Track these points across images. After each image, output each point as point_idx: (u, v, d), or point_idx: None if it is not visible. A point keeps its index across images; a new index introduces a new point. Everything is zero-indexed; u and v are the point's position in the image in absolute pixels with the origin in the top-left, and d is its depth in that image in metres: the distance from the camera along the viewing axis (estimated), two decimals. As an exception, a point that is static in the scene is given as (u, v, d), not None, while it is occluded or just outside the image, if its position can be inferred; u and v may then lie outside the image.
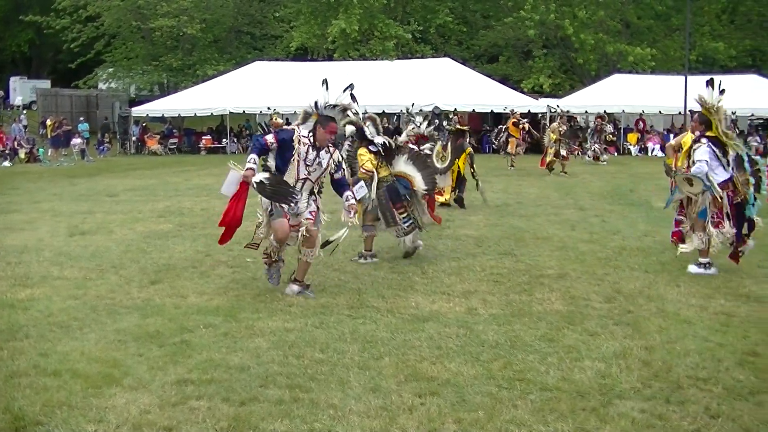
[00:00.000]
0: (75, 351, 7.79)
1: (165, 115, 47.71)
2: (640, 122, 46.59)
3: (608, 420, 6.05)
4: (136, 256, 12.90)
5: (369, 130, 12.76)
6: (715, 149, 11.29)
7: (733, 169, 11.41)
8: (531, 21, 51.03)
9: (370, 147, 12.64)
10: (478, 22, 60.51)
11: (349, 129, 12.61)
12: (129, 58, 58.90)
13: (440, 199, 17.23)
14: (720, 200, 11.34)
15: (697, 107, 12.08)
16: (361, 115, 12.34)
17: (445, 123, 21.85)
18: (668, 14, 55.88)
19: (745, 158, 11.56)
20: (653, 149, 43.99)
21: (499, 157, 34.11)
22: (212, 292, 10.34)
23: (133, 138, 47.29)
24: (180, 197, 21.82)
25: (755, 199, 11.46)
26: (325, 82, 10.52)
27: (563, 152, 28.85)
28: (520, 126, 32.50)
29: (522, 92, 48.69)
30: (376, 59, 51.18)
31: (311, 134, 10.13)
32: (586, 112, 42.16)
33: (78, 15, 57.37)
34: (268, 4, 61.02)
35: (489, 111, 44.76)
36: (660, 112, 46.30)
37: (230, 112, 45.46)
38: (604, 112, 41.44)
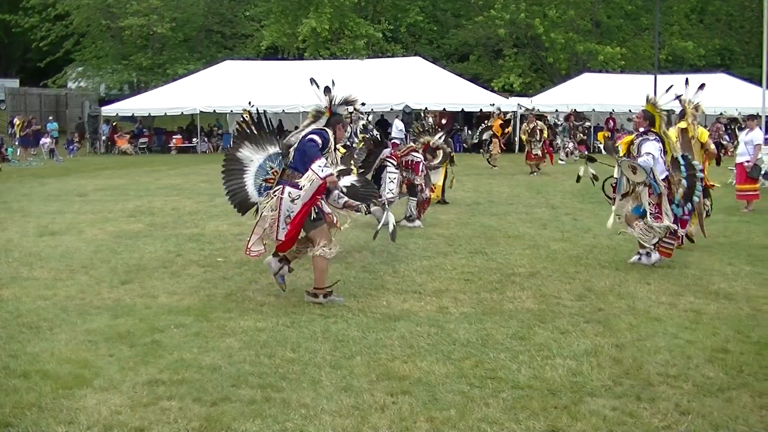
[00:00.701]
0: (45, 352, 7.75)
1: (135, 115, 47.39)
2: (611, 121, 46.76)
3: (580, 418, 6.08)
4: (106, 256, 12.84)
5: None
6: (660, 145, 11.55)
7: (669, 168, 11.63)
8: (501, 20, 51.13)
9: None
10: (449, 21, 60.64)
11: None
12: (98, 57, 58.46)
13: (432, 195, 17.29)
14: (659, 196, 11.55)
15: (676, 106, 12.36)
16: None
17: (416, 122, 21.88)
18: (638, 14, 56.23)
19: (682, 161, 11.85)
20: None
21: (470, 156, 34.23)
22: (183, 292, 10.30)
23: (103, 137, 46.97)
24: (150, 197, 21.72)
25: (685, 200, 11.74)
26: (313, 81, 10.44)
27: (536, 152, 28.97)
28: (507, 129, 32.69)
29: (492, 91, 48.74)
30: (347, 58, 51.09)
31: (333, 130, 10.03)
32: (557, 110, 42.37)
33: (47, 13, 56.95)
34: (239, 3, 60.83)
35: (460, 110, 44.80)
36: (630, 110, 46.29)
37: (201, 112, 45.25)
38: (574, 110, 41.59)
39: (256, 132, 10.08)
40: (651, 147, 11.39)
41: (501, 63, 56.02)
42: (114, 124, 47.87)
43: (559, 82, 51.13)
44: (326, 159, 9.48)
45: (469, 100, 43.61)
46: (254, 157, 10.10)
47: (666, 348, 7.77)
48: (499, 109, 33.52)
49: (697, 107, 13.75)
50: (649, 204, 11.60)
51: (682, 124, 13.81)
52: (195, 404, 6.38)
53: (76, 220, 16.93)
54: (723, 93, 41.82)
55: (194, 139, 47.90)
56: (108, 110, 46.85)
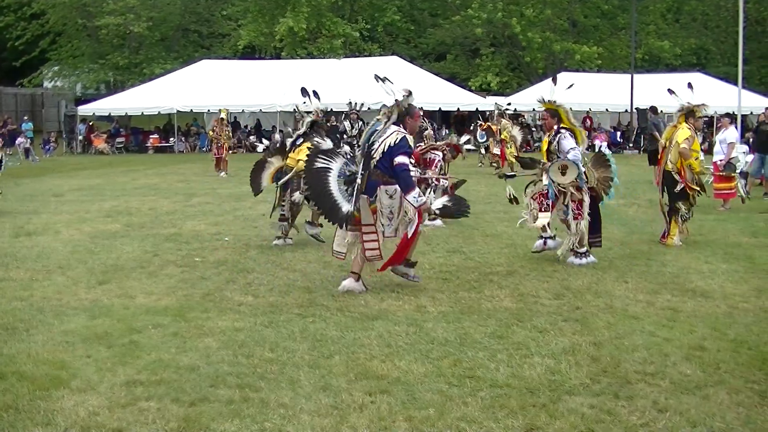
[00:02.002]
0: (21, 353, 7.71)
1: (112, 114, 47.21)
2: (587, 120, 46.92)
3: (558, 416, 6.09)
4: (83, 256, 12.79)
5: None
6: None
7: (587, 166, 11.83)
8: (478, 19, 51.27)
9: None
10: (426, 20, 60.70)
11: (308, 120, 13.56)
12: (75, 57, 58.27)
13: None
14: (581, 193, 11.72)
15: (675, 103, 12.66)
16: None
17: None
18: (614, 13, 56.55)
19: (609, 156, 12.18)
20: (600, 146, 44.16)
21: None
22: (161, 292, 10.27)
23: (80, 137, 46.76)
24: (127, 197, 21.65)
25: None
26: (377, 77, 10.65)
27: (495, 150, 28.93)
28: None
29: (470, 90, 48.86)
30: (324, 58, 51.07)
31: (402, 126, 10.18)
32: (534, 110, 42.39)
33: (22, 12, 56.69)
34: (216, 2, 60.75)
35: (437, 109, 44.83)
36: (607, 110, 46.76)
37: (178, 111, 45.10)
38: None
39: (328, 143, 10.54)
40: (571, 141, 11.59)
41: (478, 62, 56.12)
42: (91, 123, 47.64)
43: (536, 81, 51.19)
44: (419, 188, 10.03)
45: (446, 99, 43.68)
46: (332, 166, 10.24)
47: (643, 346, 7.80)
48: (499, 108, 33.00)
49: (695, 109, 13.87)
50: (572, 202, 11.73)
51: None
52: (173, 405, 6.36)
53: (52, 221, 16.86)
54: (699, 92, 42.06)
55: (171, 139, 47.80)
56: (84, 110, 46.63)
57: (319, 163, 10.19)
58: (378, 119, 10.39)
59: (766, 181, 21.23)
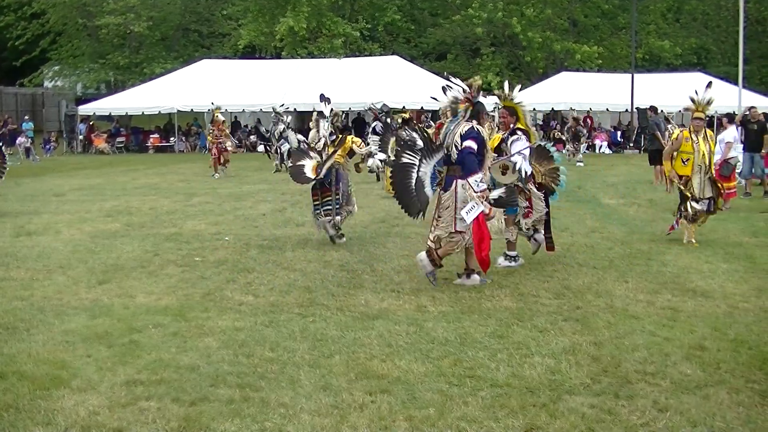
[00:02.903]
0: (22, 353, 7.71)
1: (112, 114, 47.22)
2: (588, 120, 46.93)
3: (558, 415, 6.09)
4: (83, 256, 12.79)
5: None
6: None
7: (531, 160, 11.79)
8: (479, 19, 51.24)
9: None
10: (426, 20, 60.62)
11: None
12: (75, 56, 58.25)
13: None
14: (528, 192, 11.70)
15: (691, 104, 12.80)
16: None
17: (389, 120, 21.88)
18: (615, 13, 56.53)
19: (552, 150, 12.23)
20: (600, 146, 44.27)
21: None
22: (161, 292, 10.27)
23: (80, 137, 46.76)
24: (128, 196, 21.66)
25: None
26: (448, 77, 11.17)
27: None
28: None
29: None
30: (325, 57, 51.06)
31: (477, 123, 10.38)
32: (534, 109, 42.41)
33: (22, 12, 56.67)
34: (216, 2, 60.71)
35: (438, 108, 44.81)
36: (607, 109, 46.73)
37: (178, 111, 45.12)
38: (552, 109, 41.71)
39: (424, 146, 10.44)
40: (522, 145, 11.55)
41: (478, 62, 56.01)
42: (91, 123, 47.64)
43: (537, 81, 51.21)
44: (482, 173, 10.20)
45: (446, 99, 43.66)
46: (417, 162, 10.41)
47: (644, 345, 7.80)
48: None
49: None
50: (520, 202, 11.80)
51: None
52: (173, 404, 6.36)
53: (53, 220, 16.86)
54: (699, 92, 42.08)
55: (172, 138, 47.85)
56: (85, 109, 46.65)
57: (406, 159, 10.39)
58: (450, 120, 10.82)
59: (766, 181, 21.22)
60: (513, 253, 11.91)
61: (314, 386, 6.74)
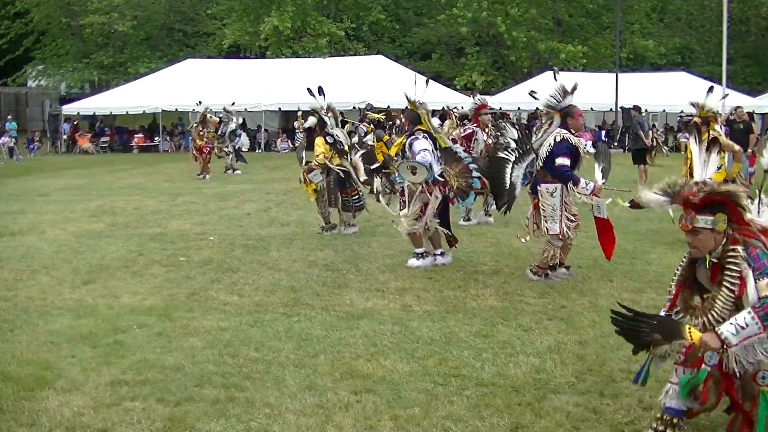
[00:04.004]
0: (6, 353, 7.70)
1: (96, 114, 47.07)
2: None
3: (543, 414, 6.11)
4: (68, 256, 12.76)
5: (329, 122, 14.44)
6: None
7: (441, 163, 11.83)
8: (463, 18, 51.29)
9: (326, 138, 14.17)
10: (411, 19, 60.64)
11: (311, 120, 14.58)
12: (59, 56, 58.00)
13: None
14: (429, 194, 11.70)
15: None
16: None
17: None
18: (599, 12, 56.71)
19: (459, 151, 12.18)
20: (585, 145, 44.29)
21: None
22: (146, 292, 10.26)
23: (64, 136, 46.60)
24: (112, 196, 21.59)
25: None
26: (557, 75, 11.54)
27: None
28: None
29: (455, 89, 48.85)
30: (309, 57, 51.02)
31: (566, 127, 10.50)
32: (519, 108, 42.52)
33: (6, 11, 56.41)
34: (201, 1, 60.51)
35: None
36: (592, 109, 46.72)
37: (162, 110, 45.01)
38: (537, 109, 41.68)
39: (518, 148, 10.70)
40: (424, 144, 11.65)
41: (463, 61, 56.09)
42: (75, 123, 47.48)
43: (521, 80, 51.26)
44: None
45: (431, 98, 43.62)
46: (512, 159, 10.70)
47: (628, 345, 7.78)
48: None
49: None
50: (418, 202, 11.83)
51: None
52: (158, 404, 6.36)
53: (37, 220, 16.81)
54: (683, 91, 42.24)
55: (156, 138, 47.68)
56: (69, 109, 46.47)
57: (502, 154, 10.70)
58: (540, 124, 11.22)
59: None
60: (421, 250, 11.87)
61: (299, 386, 6.74)
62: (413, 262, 11.79)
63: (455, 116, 29.57)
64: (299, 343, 8.01)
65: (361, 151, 15.10)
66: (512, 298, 9.82)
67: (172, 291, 10.33)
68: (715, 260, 5.29)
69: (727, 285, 5.14)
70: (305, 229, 15.05)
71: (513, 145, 10.61)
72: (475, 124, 16.08)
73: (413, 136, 11.74)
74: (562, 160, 10.25)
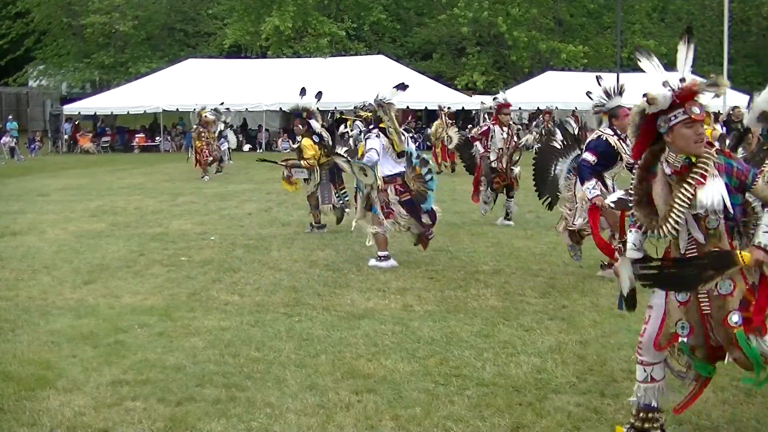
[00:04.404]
0: (7, 353, 7.70)
1: (97, 113, 47.08)
2: (575, 119, 47.01)
3: (544, 414, 6.10)
4: (68, 256, 12.76)
5: (315, 124, 14.77)
6: (384, 141, 11.70)
7: (404, 164, 11.85)
8: (464, 18, 51.28)
9: (313, 137, 14.50)
10: (412, 19, 60.60)
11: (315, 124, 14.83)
12: (60, 56, 57.94)
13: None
14: (384, 192, 11.71)
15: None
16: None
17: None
18: (600, 12, 56.70)
19: (414, 154, 12.06)
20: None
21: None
22: (146, 292, 10.26)
23: (65, 136, 46.61)
24: (113, 196, 21.60)
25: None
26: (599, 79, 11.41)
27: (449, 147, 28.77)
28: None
29: (456, 89, 48.87)
30: (310, 57, 51.02)
31: (613, 130, 10.45)
32: (520, 108, 42.49)
33: (6, 11, 56.38)
34: (201, 1, 60.40)
35: (423, 108, 44.87)
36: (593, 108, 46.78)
37: (163, 110, 45.03)
38: (538, 109, 41.76)
39: (564, 143, 11.27)
40: (373, 143, 11.64)
41: (464, 61, 56.07)
42: (77, 122, 47.48)
43: (522, 80, 51.31)
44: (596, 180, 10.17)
45: (432, 98, 43.68)
46: (562, 167, 11.29)
47: (629, 344, 7.78)
48: (441, 108, 32.18)
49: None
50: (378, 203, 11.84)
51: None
52: (159, 404, 6.35)
53: (37, 220, 16.81)
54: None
55: (157, 138, 47.73)
56: (70, 109, 46.47)
57: (554, 143, 11.34)
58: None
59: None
60: (383, 254, 11.81)
61: (300, 386, 6.74)
62: (372, 261, 11.87)
63: (445, 115, 29.70)
64: (300, 342, 8.00)
65: (345, 148, 15.21)
66: (513, 297, 9.82)
67: (173, 291, 10.33)
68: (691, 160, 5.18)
69: (690, 182, 5.08)
70: (306, 229, 15.03)
71: (560, 141, 10.86)
72: (494, 121, 16.04)
73: (368, 134, 11.83)
74: (587, 155, 10.24)
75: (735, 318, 5.10)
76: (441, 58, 58.88)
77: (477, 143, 16.39)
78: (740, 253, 5.05)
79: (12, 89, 60.49)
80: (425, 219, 11.77)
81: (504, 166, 15.70)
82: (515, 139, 16.14)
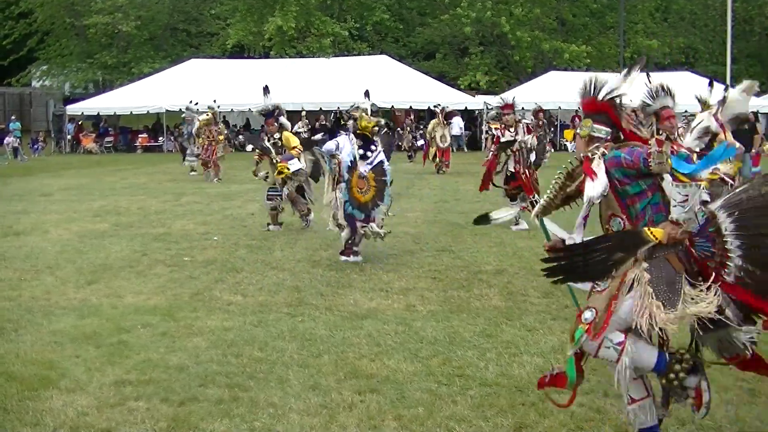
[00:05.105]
0: (10, 353, 7.70)
1: (100, 114, 47.09)
2: (576, 119, 46.94)
3: (547, 414, 6.10)
4: (71, 256, 12.76)
5: (284, 120, 15.57)
6: (347, 141, 11.93)
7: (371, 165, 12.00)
8: (467, 18, 51.28)
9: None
10: (415, 19, 60.58)
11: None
12: (63, 56, 57.93)
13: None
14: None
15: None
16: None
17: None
18: (603, 12, 56.70)
19: (383, 159, 12.27)
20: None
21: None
22: (150, 292, 10.26)
23: (68, 136, 46.63)
24: (116, 196, 21.60)
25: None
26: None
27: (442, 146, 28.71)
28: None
29: (459, 89, 48.87)
30: (313, 57, 51.03)
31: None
32: (523, 108, 42.40)
33: (9, 11, 56.36)
34: (204, 1, 60.41)
35: (426, 108, 44.89)
36: (594, 108, 46.76)
37: (166, 110, 44.99)
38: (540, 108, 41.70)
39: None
40: (338, 138, 11.92)
41: (467, 61, 56.04)
42: (80, 123, 47.50)
43: (525, 80, 51.26)
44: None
45: (435, 98, 43.71)
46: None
47: (632, 344, 7.80)
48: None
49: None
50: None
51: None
52: (162, 404, 6.36)
53: (40, 220, 16.81)
54: (688, 91, 42.20)
55: (160, 138, 47.72)
56: (73, 109, 46.48)
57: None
58: None
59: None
60: (356, 248, 12.11)
61: (303, 386, 6.74)
62: (342, 256, 12.08)
63: (441, 114, 29.68)
64: (303, 342, 8.01)
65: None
66: (516, 298, 9.82)
67: (176, 291, 10.34)
68: None
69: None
70: (308, 229, 15.03)
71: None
72: (499, 129, 16.04)
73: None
74: None
75: (587, 315, 5.25)
76: (444, 58, 58.88)
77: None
78: (650, 230, 5.11)
79: (15, 89, 60.46)
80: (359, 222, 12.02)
81: (522, 169, 15.55)
82: (524, 135, 15.97)
